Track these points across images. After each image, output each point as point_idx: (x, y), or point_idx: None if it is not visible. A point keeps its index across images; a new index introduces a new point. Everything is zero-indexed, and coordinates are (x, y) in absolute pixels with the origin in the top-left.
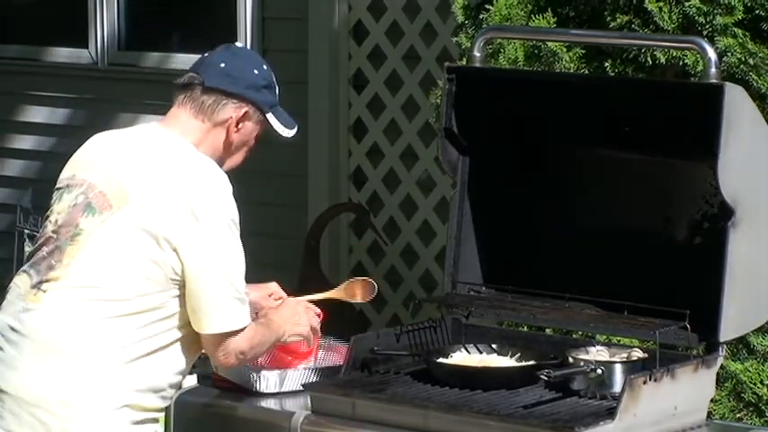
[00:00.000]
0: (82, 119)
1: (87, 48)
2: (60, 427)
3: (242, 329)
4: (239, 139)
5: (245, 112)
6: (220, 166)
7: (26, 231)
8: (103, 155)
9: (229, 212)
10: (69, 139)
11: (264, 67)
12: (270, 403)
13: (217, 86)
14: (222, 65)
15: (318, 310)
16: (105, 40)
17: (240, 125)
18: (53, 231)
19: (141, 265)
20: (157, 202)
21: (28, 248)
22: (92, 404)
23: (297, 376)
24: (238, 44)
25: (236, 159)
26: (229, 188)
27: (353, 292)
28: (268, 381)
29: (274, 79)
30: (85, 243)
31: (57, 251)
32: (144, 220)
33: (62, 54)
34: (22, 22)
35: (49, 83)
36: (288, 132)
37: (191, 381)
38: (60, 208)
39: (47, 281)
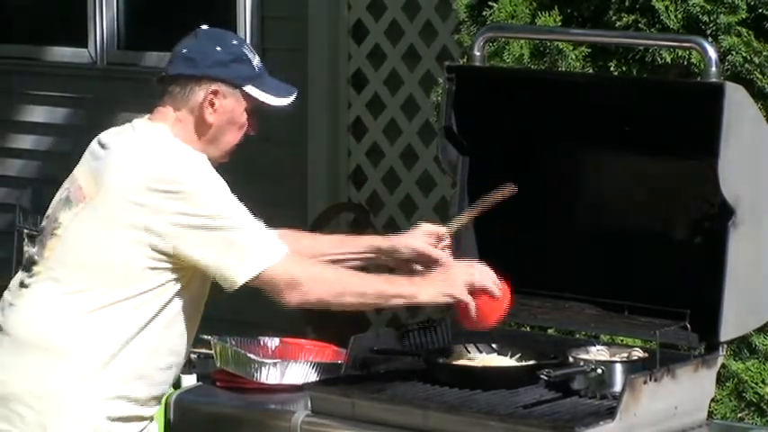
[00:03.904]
0: (81, 118)
1: (87, 47)
2: (37, 420)
3: (270, 266)
4: (221, 119)
5: (215, 91)
6: (211, 152)
7: (25, 231)
8: (91, 151)
9: (202, 178)
10: (68, 138)
11: (234, 42)
12: (270, 403)
13: (180, 73)
14: (184, 50)
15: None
16: (104, 39)
17: (215, 105)
18: (41, 228)
19: (113, 255)
20: (126, 188)
21: (27, 248)
22: (68, 397)
23: (298, 370)
24: (204, 27)
25: (229, 140)
26: (201, 159)
27: None
28: (269, 372)
29: (248, 52)
30: (62, 236)
31: (40, 247)
32: (113, 207)
33: (61, 53)
34: (22, 22)
35: (49, 82)
36: (278, 101)
37: (190, 380)
38: (51, 205)
39: (29, 276)
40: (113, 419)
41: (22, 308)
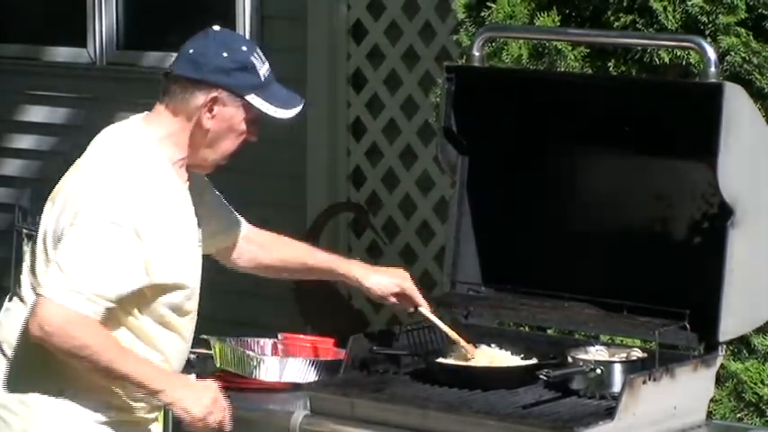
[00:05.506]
0: (80, 118)
1: (86, 47)
2: (21, 426)
3: (58, 304)
4: (218, 126)
5: (214, 98)
6: (209, 155)
7: (24, 231)
8: (83, 152)
9: (114, 212)
10: (68, 138)
11: (243, 48)
12: (269, 403)
13: (182, 74)
14: (191, 51)
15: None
16: (104, 39)
17: (214, 111)
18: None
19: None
20: (66, 199)
21: (26, 248)
22: (51, 404)
23: (298, 366)
24: (215, 27)
25: (226, 146)
26: (133, 189)
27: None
28: (268, 368)
29: (256, 60)
30: (35, 242)
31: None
32: (55, 216)
33: (61, 53)
34: (22, 22)
35: (48, 82)
36: (281, 113)
37: None
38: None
39: (17, 285)
40: (101, 423)
41: (11, 314)
